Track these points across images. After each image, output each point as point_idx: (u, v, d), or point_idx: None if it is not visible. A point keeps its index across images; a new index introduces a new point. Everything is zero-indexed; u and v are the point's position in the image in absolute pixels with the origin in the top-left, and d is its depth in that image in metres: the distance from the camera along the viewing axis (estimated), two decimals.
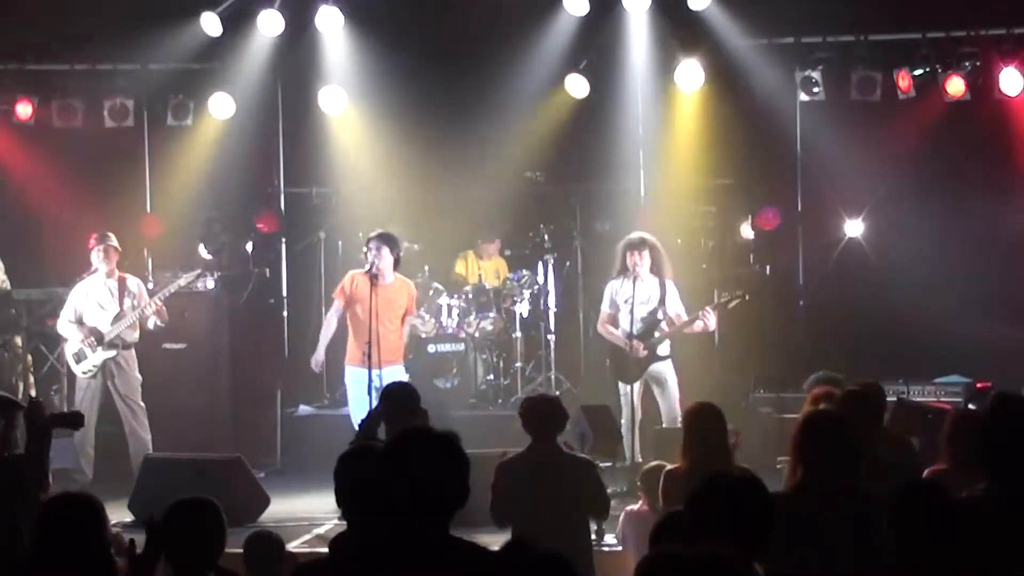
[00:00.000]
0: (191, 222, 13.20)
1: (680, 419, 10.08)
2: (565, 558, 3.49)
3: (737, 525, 3.84)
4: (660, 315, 10.64)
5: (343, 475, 4.52)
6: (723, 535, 3.72)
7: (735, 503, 3.92)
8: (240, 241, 13.32)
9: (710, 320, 10.62)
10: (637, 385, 10.56)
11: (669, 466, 6.75)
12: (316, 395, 13.00)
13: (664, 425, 10.44)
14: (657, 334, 10.63)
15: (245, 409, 12.65)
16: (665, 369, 10.67)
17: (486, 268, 13.46)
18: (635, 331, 10.54)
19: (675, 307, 10.71)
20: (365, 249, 10.52)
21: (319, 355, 10.91)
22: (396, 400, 7.11)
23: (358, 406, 10.15)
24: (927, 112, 12.44)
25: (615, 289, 10.78)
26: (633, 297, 10.54)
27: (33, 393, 12.46)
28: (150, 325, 11.06)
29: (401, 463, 3.74)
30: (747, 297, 11.05)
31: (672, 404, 10.57)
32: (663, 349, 10.69)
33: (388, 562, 3.70)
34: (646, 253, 10.58)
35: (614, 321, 10.79)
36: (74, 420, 6.93)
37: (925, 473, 5.99)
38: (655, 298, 10.63)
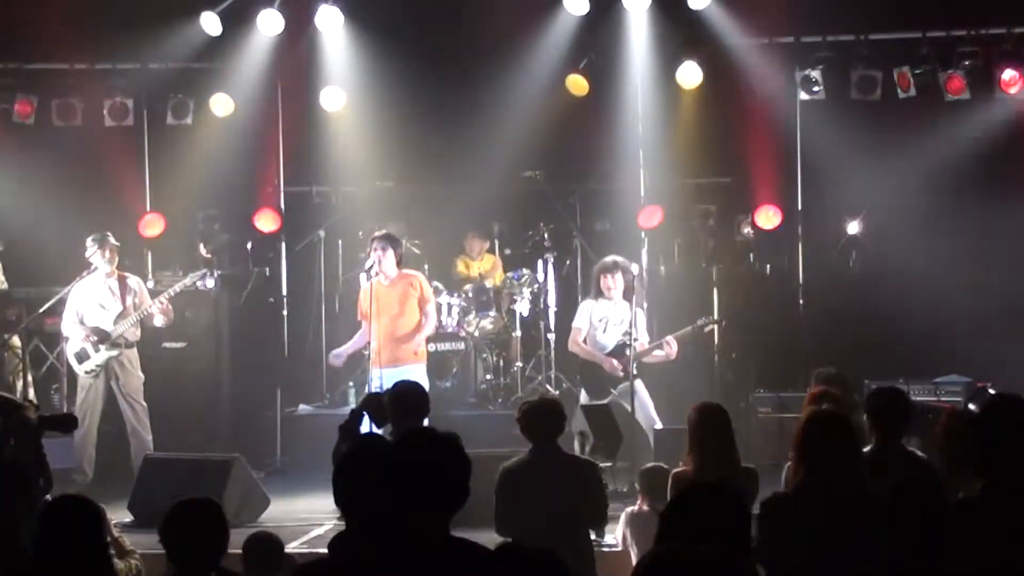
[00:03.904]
0: (191, 221, 13.19)
1: (658, 422, 10.34)
2: (556, 556, 3.48)
3: (713, 534, 3.79)
4: (632, 338, 10.73)
5: (343, 476, 4.51)
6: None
7: (709, 514, 3.86)
8: (240, 240, 13.32)
9: (672, 349, 10.78)
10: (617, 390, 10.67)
11: (676, 468, 6.75)
12: (316, 395, 13.00)
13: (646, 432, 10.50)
14: (628, 354, 10.70)
15: (245, 409, 12.64)
16: (636, 384, 10.73)
17: (483, 266, 13.47)
18: (611, 350, 10.77)
19: (641, 335, 10.84)
20: (370, 249, 10.60)
21: (342, 352, 11.04)
22: (402, 400, 7.10)
23: None
24: (927, 112, 12.44)
25: (591, 309, 10.94)
26: (610, 318, 10.82)
27: (32, 392, 12.48)
28: (157, 323, 11.06)
29: (404, 464, 3.74)
30: (723, 323, 11.19)
31: (648, 413, 10.66)
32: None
33: (388, 562, 3.69)
34: (618, 276, 10.76)
35: (586, 341, 10.93)
36: (66, 423, 6.91)
37: None
38: (627, 321, 10.75)
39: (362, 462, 4.47)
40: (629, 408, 10.59)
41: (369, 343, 10.66)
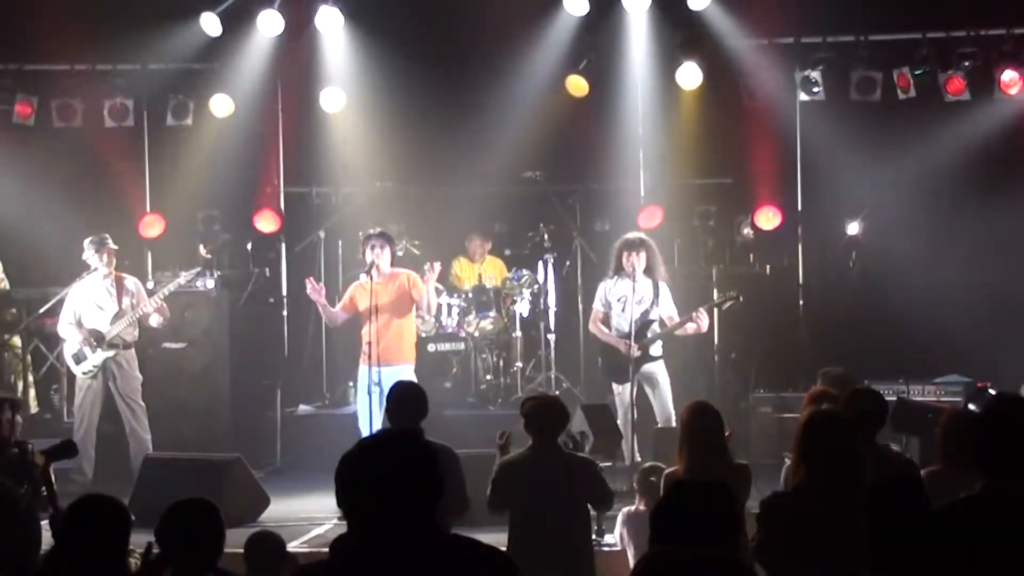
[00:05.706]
0: (191, 222, 13.20)
1: (674, 418, 10.24)
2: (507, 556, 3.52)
3: (702, 531, 3.80)
4: (653, 315, 10.67)
5: (340, 475, 4.51)
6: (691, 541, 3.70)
7: (695, 512, 3.88)
8: (240, 240, 13.32)
9: (703, 321, 10.64)
10: (631, 386, 10.57)
11: (668, 468, 6.76)
12: (316, 395, 13.01)
13: (659, 425, 10.47)
14: (650, 334, 10.64)
15: (245, 409, 12.64)
16: (657, 369, 10.68)
17: (485, 268, 13.47)
18: (635, 329, 10.55)
19: (668, 308, 10.75)
20: (367, 247, 10.55)
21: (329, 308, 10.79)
22: (399, 401, 7.09)
23: (362, 404, 10.23)
24: (927, 112, 12.45)
25: (608, 288, 10.83)
26: (629, 297, 10.58)
27: (32, 393, 12.48)
28: (152, 323, 11.05)
29: (361, 463, 3.76)
30: (740, 299, 11.05)
31: (665, 404, 10.60)
32: (655, 349, 10.71)
33: (387, 562, 3.70)
34: (643, 254, 10.61)
35: (606, 320, 10.82)
36: (67, 450, 7.03)
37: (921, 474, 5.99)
38: (648, 299, 10.65)
39: (357, 462, 4.47)
40: (648, 392, 10.57)
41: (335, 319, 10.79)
